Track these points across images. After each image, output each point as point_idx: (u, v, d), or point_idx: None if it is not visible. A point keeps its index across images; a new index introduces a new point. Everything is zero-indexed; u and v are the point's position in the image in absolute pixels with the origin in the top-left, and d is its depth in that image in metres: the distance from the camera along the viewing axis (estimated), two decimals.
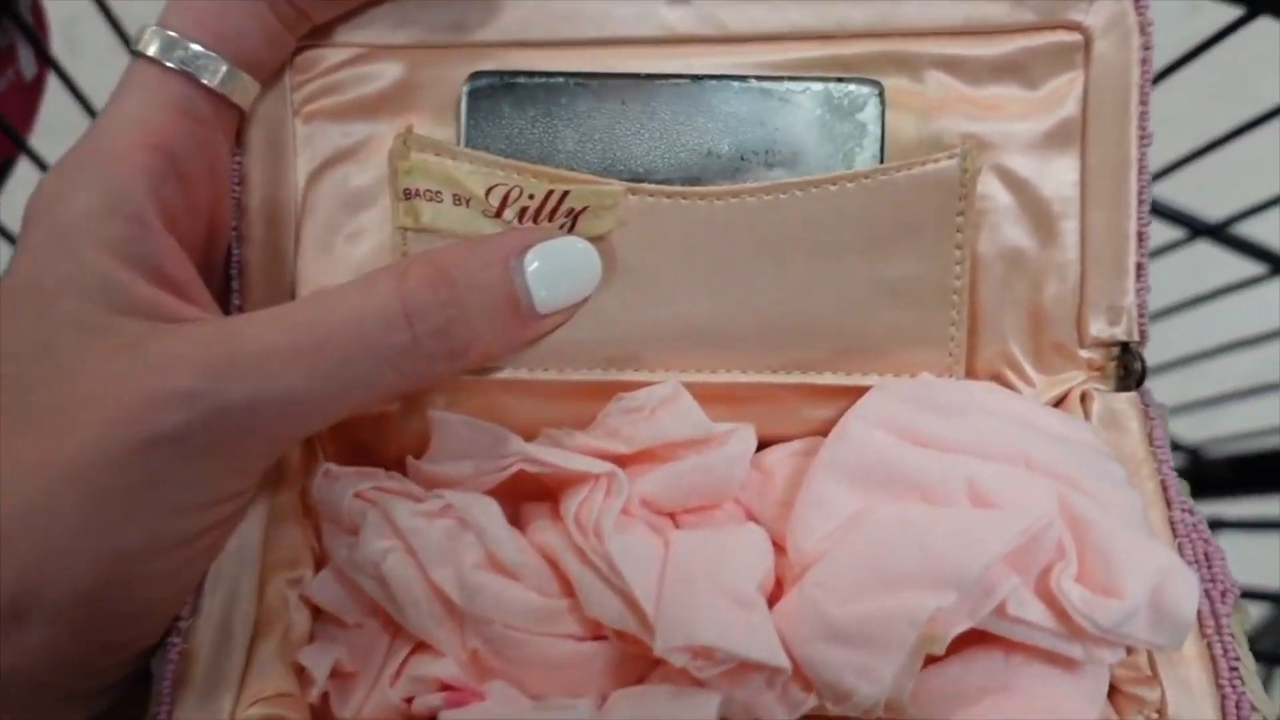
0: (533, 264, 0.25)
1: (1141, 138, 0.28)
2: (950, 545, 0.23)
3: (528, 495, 0.27)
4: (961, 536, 0.23)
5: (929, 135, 0.28)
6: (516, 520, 0.27)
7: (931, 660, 0.24)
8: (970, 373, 0.28)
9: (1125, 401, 0.28)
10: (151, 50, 0.25)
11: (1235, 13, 0.36)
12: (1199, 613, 0.25)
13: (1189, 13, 0.38)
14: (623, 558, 0.24)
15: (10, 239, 0.42)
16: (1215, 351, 0.51)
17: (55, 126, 0.45)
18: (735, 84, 0.27)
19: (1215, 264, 0.47)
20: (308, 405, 0.23)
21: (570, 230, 0.26)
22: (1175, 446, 0.53)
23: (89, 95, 0.44)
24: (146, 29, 0.25)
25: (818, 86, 0.27)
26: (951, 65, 0.28)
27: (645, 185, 0.27)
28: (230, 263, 0.28)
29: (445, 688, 0.25)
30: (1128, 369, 0.29)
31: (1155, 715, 0.25)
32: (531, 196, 0.26)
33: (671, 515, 0.27)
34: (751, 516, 0.27)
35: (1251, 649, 0.25)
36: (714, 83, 0.27)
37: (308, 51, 0.27)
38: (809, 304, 0.27)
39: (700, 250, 0.27)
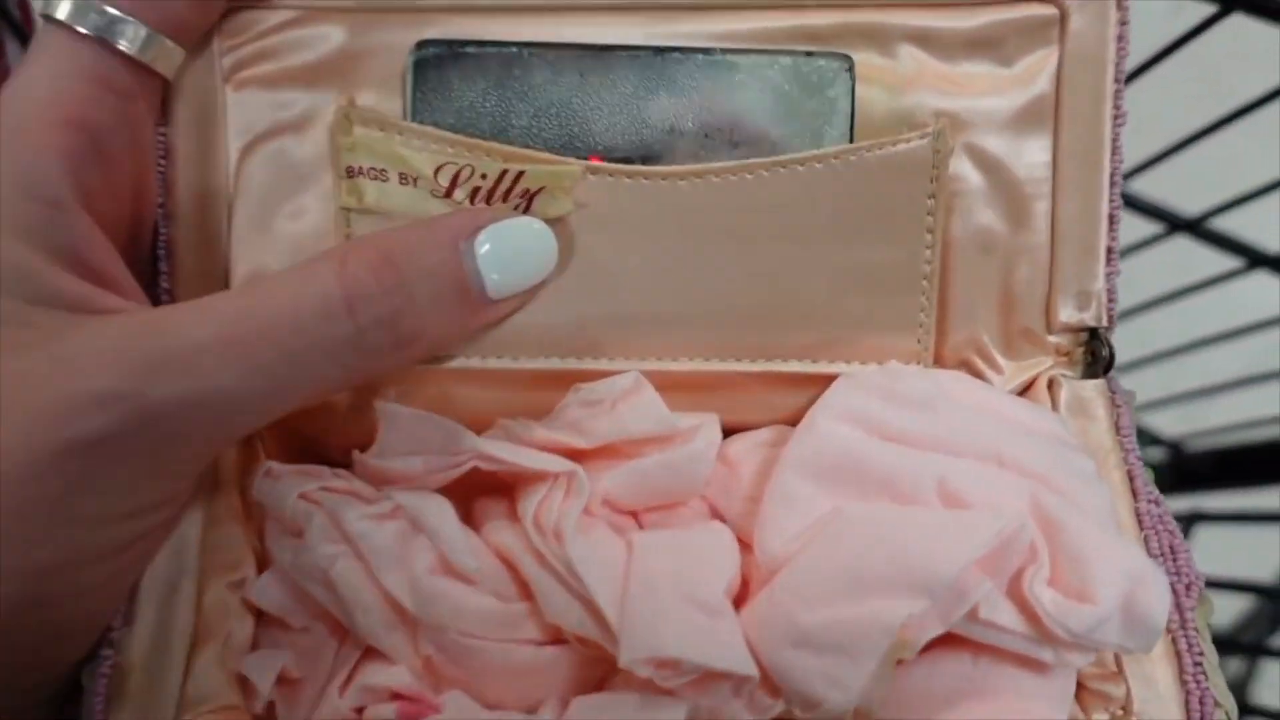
0: (484, 246, 0.24)
1: (1115, 117, 0.27)
2: (922, 548, 0.22)
3: (482, 490, 0.26)
4: (934, 539, 0.23)
5: (900, 111, 0.27)
6: (470, 518, 0.26)
7: (901, 663, 0.23)
8: (938, 359, 0.28)
9: (1093, 389, 0.28)
10: (62, 14, 0.23)
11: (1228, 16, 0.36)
12: None
13: (1173, 13, 0.38)
14: (584, 563, 0.23)
15: None
16: (1194, 346, 0.52)
17: None
18: (700, 56, 0.26)
19: (1195, 259, 0.47)
20: (242, 403, 0.22)
21: (525, 212, 0.25)
22: (1156, 441, 0.54)
23: None
24: None
25: (785, 60, 0.26)
26: (924, 39, 0.27)
27: (605, 164, 0.25)
28: (158, 244, 0.26)
29: (397, 697, 0.24)
30: (1095, 355, 0.28)
31: (1120, 712, 0.25)
32: (484, 176, 0.25)
33: (634, 514, 0.26)
34: (717, 513, 0.26)
35: (1234, 641, 0.25)
36: (677, 55, 0.26)
37: (239, 14, 0.25)
38: (775, 289, 0.26)
39: (662, 233, 0.26)
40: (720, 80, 0.26)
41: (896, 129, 0.26)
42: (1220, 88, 0.41)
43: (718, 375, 0.26)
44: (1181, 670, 0.25)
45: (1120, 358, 0.29)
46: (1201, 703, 0.24)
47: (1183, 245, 0.47)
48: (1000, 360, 0.28)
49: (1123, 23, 0.27)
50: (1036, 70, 0.27)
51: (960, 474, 0.24)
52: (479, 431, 0.26)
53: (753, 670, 0.22)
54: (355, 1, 0.25)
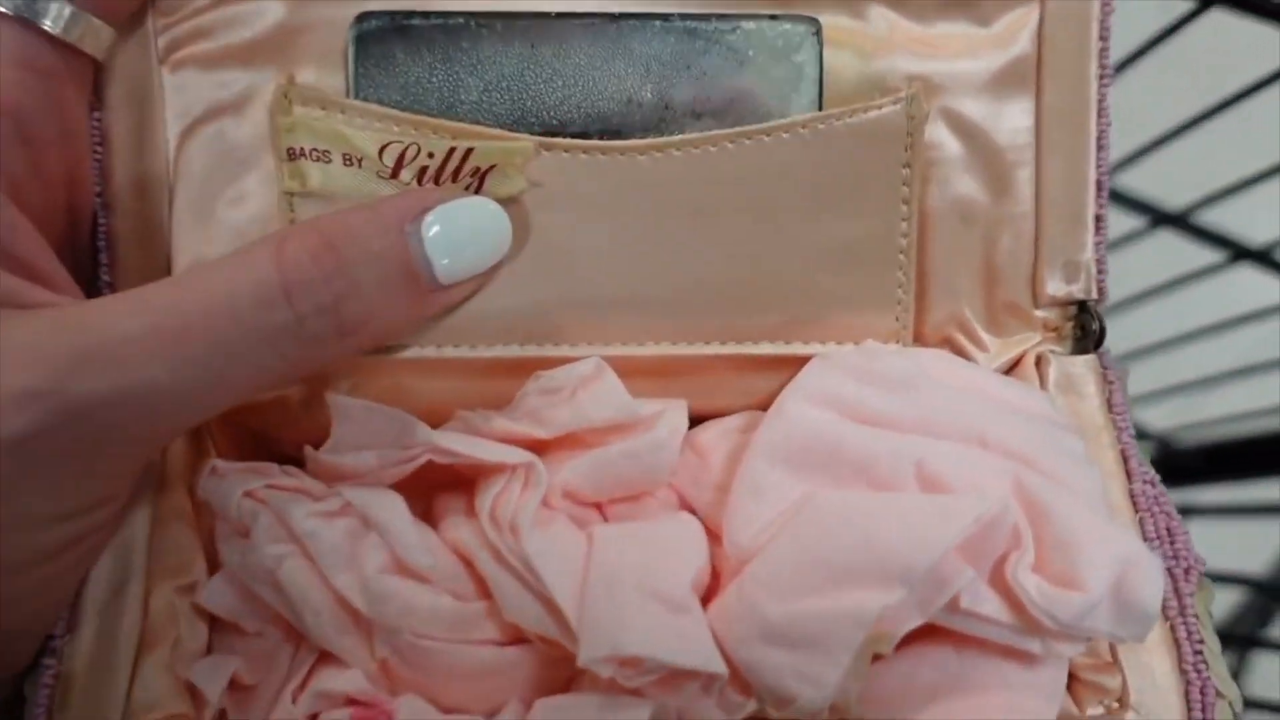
0: (432, 228, 0.23)
1: (1101, 76, 0.26)
2: (898, 535, 0.21)
3: (441, 485, 0.25)
4: (910, 525, 0.21)
5: (871, 77, 0.25)
6: (429, 514, 0.25)
7: (879, 657, 0.22)
8: (919, 337, 0.26)
9: (1083, 365, 0.26)
10: None
11: (1209, 12, 0.36)
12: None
13: (1163, 11, 0.37)
14: (541, 558, 0.22)
15: None
16: (1182, 340, 0.51)
17: None
18: (657, 23, 0.24)
19: (1181, 254, 0.47)
20: (175, 398, 0.21)
21: (477, 192, 0.24)
22: (1145, 435, 0.53)
23: None
24: None
25: (749, 25, 0.25)
26: None
27: (559, 140, 0.24)
28: (97, 235, 0.25)
29: (353, 703, 0.23)
30: (1085, 329, 0.27)
31: (1116, 704, 0.23)
32: (431, 155, 0.23)
33: (598, 506, 0.25)
34: (686, 504, 0.25)
35: (1227, 634, 0.24)
36: (633, 22, 0.24)
37: None
38: (743, 267, 0.25)
39: (622, 211, 0.24)
40: (680, 47, 0.25)
41: (868, 95, 0.25)
42: (1204, 83, 0.41)
43: (685, 359, 0.25)
44: (1181, 659, 0.23)
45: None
46: (1203, 693, 0.23)
47: (1169, 240, 0.47)
48: (985, 337, 0.27)
49: None
50: (1017, 29, 0.26)
51: (940, 456, 0.23)
52: (437, 425, 0.25)
53: (720, 667, 0.21)
54: None
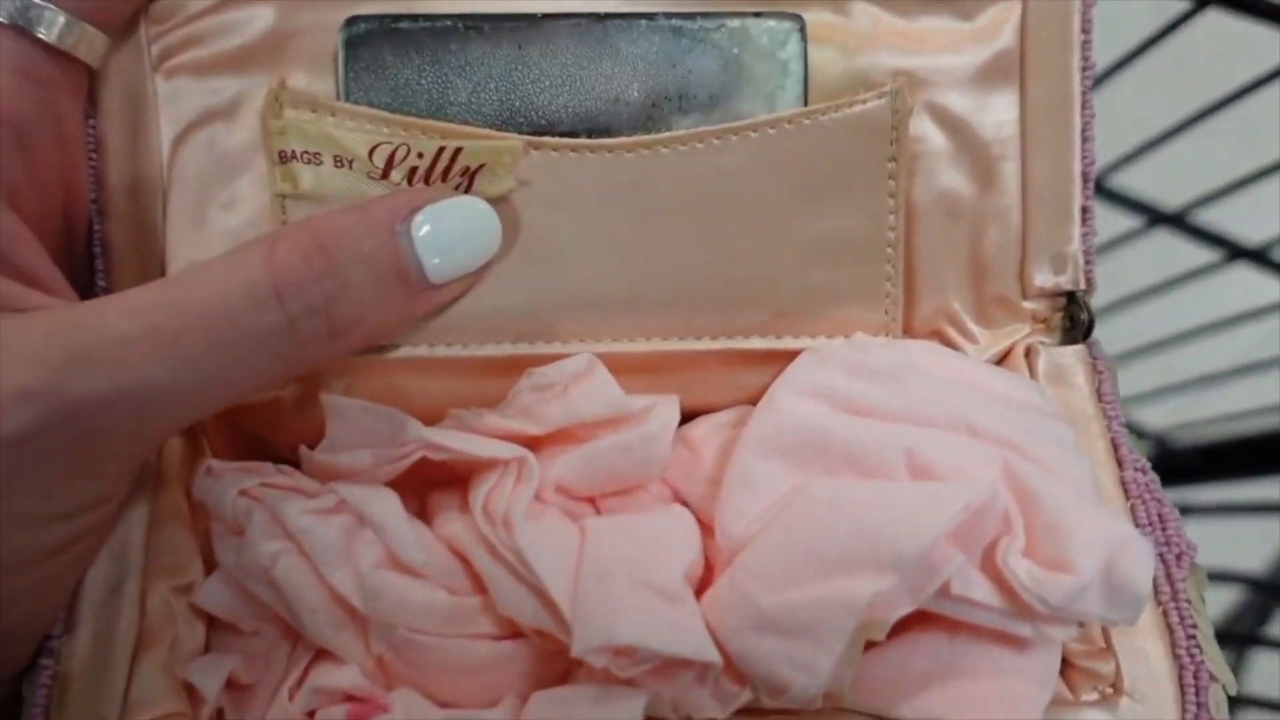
0: (422, 228, 0.23)
1: (1084, 69, 0.26)
2: (888, 523, 0.21)
3: (436, 484, 0.25)
4: (900, 513, 0.21)
5: (856, 73, 0.25)
6: (424, 512, 0.25)
7: (872, 644, 0.22)
8: (908, 330, 0.27)
9: (1072, 355, 0.27)
10: None
11: (1206, 13, 0.36)
12: (1154, 579, 0.24)
13: (1158, 12, 0.38)
14: (534, 550, 0.22)
15: None
16: (1178, 339, 0.51)
17: None
18: (643, 22, 0.25)
19: (1177, 255, 0.47)
20: (171, 397, 0.21)
21: (466, 191, 0.24)
22: (1141, 435, 0.53)
23: None
24: None
25: (734, 23, 0.25)
26: None
27: (548, 139, 0.24)
28: (93, 241, 0.25)
29: (350, 698, 0.23)
30: (1074, 320, 0.27)
31: (1110, 690, 0.23)
32: (421, 155, 0.24)
33: (592, 500, 0.25)
34: (679, 497, 0.25)
35: (1226, 632, 0.24)
36: (619, 21, 0.25)
37: None
38: (732, 263, 0.25)
39: (611, 208, 0.25)
40: (665, 46, 0.25)
41: (853, 91, 0.25)
42: (1200, 84, 0.41)
43: (676, 355, 0.25)
44: (1174, 644, 0.23)
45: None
46: (1196, 677, 0.23)
47: (1165, 240, 0.47)
48: (974, 329, 0.27)
49: None
50: (1000, 23, 0.26)
51: (930, 445, 0.23)
52: (432, 424, 0.25)
53: (713, 656, 0.21)
54: None
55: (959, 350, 0.27)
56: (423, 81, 0.24)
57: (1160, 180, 0.45)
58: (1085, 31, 0.26)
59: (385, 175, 0.24)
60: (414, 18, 0.24)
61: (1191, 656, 0.23)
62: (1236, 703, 0.46)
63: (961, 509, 0.21)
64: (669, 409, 0.25)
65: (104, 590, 0.23)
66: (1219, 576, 0.49)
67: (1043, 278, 0.27)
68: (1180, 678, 0.23)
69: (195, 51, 0.25)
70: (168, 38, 0.25)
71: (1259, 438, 0.50)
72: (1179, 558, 0.24)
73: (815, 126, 0.25)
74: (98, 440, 0.21)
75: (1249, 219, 0.47)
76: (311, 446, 0.25)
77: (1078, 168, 0.26)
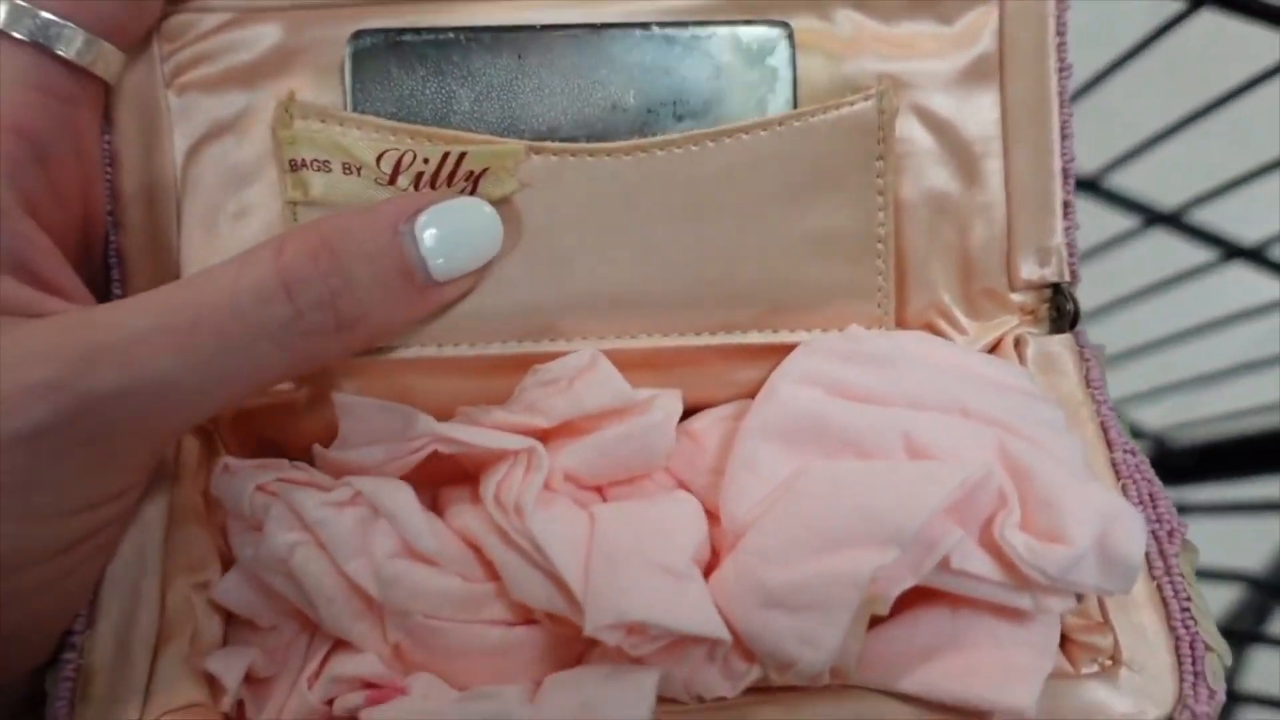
0: (427, 228, 0.24)
1: (1060, 70, 0.27)
2: (888, 500, 0.22)
3: (447, 479, 0.26)
4: (899, 491, 0.22)
5: (842, 78, 0.27)
6: (436, 506, 0.26)
7: (876, 621, 0.23)
8: (901, 324, 0.27)
9: (1060, 344, 0.27)
10: None
11: (1202, 13, 0.36)
12: (1147, 555, 0.24)
13: (1153, 12, 0.38)
14: (546, 536, 0.23)
15: None
16: (1175, 339, 0.52)
17: None
18: (638, 32, 0.26)
19: (1174, 254, 0.48)
20: (184, 391, 0.22)
21: (471, 194, 0.25)
22: (1138, 435, 0.54)
23: None
24: None
25: (724, 31, 0.26)
26: (862, 1, 0.27)
27: (548, 144, 0.25)
28: (109, 251, 0.26)
29: (368, 685, 0.23)
30: (1060, 311, 0.28)
31: (1109, 662, 0.24)
32: (426, 161, 0.25)
33: (599, 489, 0.25)
34: (683, 486, 0.26)
35: (1226, 631, 0.25)
36: (615, 32, 0.26)
37: (176, 17, 0.26)
38: (729, 261, 0.26)
39: (611, 210, 0.25)
40: (660, 54, 0.26)
41: (840, 95, 0.26)
42: (1195, 84, 0.42)
43: (676, 351, 0.26)
44: (1169, 616, 0.24)
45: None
46: (1192, 647, 0.24)
47: (1162, 239, 0.47)
48: (964, 321, 0.28)
49: None
50: (979, 27, 0.27)
51: (926, 427, 0.24)
52: (441, 421, 0.25)
53: (723, 633, 0.22)
54: (289, 0, 0.26)
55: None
56: (427, 92, 0.25)
57: (1156, 180, 0.45)
58: (1060, 34, 0.27)
59: (392, 180, 0.25)
60: (417, 31, 0.25)
61: (1187, 628, 0.24)
62: (1236, 700, 0.47)
63: (958, 485, 0.22)
64: (672, 400, 0.26)
65: (124, 586, 0.24)
66: (1218, 575, 0.49)
67: (1029, 270, 0.28)
68: (1177, 648, 0.24)
69: (206, 68, 0.26)
70: (180, 55, 0.26)
71: (1257, 437, 0.50)
72: (1170, 534, 0.25)
73: (805, 128, 0.26)
74: (113, 434, 0.21)
75: (1245, 218, 0.47)
76: (324, 445, 0.26)
77: (1058, 164, 0.28)
